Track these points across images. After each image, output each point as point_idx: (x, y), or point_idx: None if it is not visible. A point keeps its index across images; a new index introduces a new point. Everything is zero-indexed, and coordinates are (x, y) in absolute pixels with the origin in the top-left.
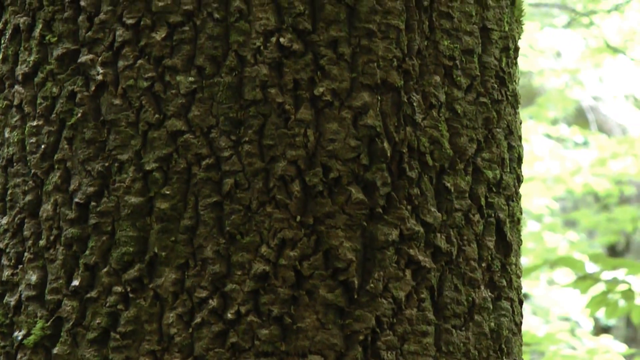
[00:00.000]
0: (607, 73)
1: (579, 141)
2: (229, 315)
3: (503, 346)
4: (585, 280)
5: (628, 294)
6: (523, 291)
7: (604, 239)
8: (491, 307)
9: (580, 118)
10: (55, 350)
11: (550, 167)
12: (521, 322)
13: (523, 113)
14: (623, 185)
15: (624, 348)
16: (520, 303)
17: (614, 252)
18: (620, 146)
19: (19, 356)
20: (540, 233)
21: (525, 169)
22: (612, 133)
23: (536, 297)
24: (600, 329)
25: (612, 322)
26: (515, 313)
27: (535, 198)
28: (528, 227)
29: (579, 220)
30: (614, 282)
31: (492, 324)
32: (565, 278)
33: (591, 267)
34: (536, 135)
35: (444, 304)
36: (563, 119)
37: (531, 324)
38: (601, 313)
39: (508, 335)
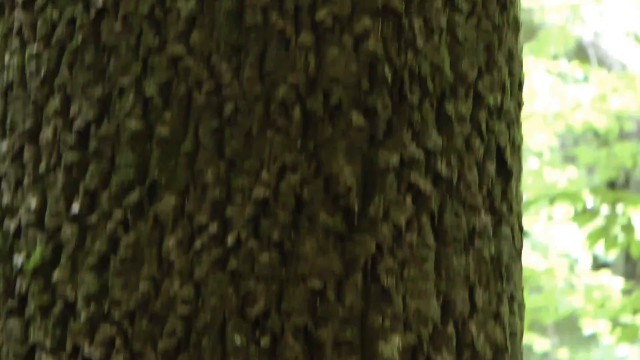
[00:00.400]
0: (608, 9)
1: (579, 77)
2: (229, 241)
3: (503, 272)
4: (584, 214)
5: (627, 228)
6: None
7: (603, 175)
8: (491, 232)
9: (580, 54)
10: (55, 275)
11: (551, 103)
12: (521, 248)
13: (524, 49)
14: (623, 121)
15: (621, 283)
16: (521, 229)
17: (613, 188)
18: (620, 81)
19: (18, 281)
20: (540, 169)
21: (526, 106)
22: (613, 69)
23: (535, 233)
24: (599, 265)
25: (611, 258)
26: (516, 239)
27: (535, 134)
28: (528, 164)
29: (579, 156)
30: (613, 215)
31: (493, 250)
32: (564, 214)
33: (591, 203)
34: (537, 72)
35: (445, 230)
36: (564, 55)
37: (530, 260)
38: (600, 249)
39: (508, 261)
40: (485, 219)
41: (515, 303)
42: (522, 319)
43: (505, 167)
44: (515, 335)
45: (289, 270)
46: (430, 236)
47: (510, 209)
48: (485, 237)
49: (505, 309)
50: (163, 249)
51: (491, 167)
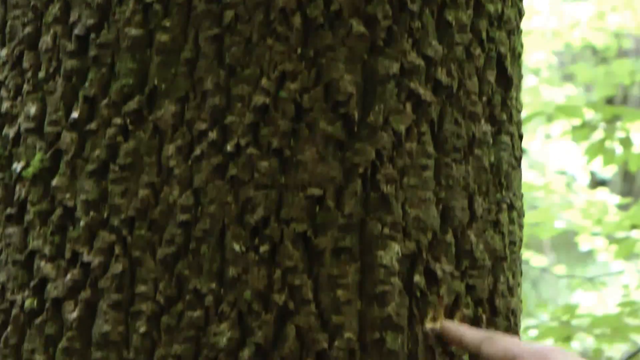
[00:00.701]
0: None
1: None
2: (229, 148)
3: (503, 180)
4: (582, 128)
5: (626, 142)
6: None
7: (601, 93)
8: (491, 141)
9: None
10: (54, 182)
11: (549, 21)
12: (521, 157)
13: None
14: (621, 39)
15: (617, 200)
16: (520, 137)
17: (611, 105)
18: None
19: (17, 188)
20: (538, 87)
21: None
22: None
23: (533, 151)
24: (597, 183)
25: (608, 176)
26: (515, 147)
27: (533, 52)
28: (526, 82)
29: (577, 74)
30: (612, 129)
31: (492, 158)
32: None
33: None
34: None
35: (444, 138)
36: None
37: (527, 177)
38: (598, 165)
39: (508, 170)
40: (485, 127)
41: (515, 211)
42: (521, 227)
43: (505, 75)
44: (515, 244)
45: (288, 178)
46: (430, 144)
47: (510, 117)
48: (484, 145)
49: (504, 217)
50: (162, 156)
51: (491, 76)
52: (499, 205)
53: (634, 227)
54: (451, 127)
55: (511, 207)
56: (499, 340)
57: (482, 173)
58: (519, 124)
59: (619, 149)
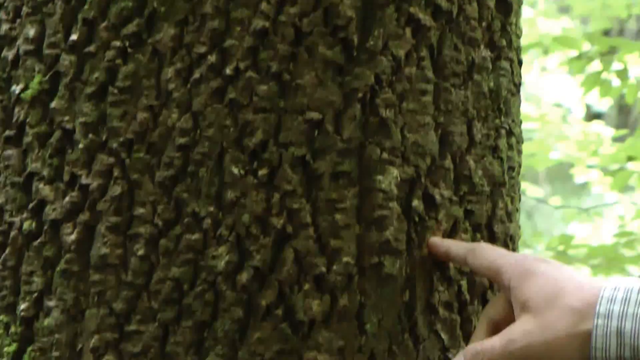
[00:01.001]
0: None
1: None
2: (228, 71)
3: (502, 106)
4: (579, 59)
5: (622, 74)
6: None
7: (597, 26)
8: (490, 66)
9: None
10: (52, 105)
11: None
12: (520, 83)
13: None
14: None
15: (612, 132)
16: (520, 64)
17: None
18: None
19: (16, 110)
20: (534, 19)
21: None
22: None
23: (528, 84)
24: (592, 116)
25: (604, 108)
26: (515, 73)
27: None
28: (522, 14)
29: (573, 6)
30: (608, 61)
31: (491, 84)
32: (558, 64)
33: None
34: None
35: (444, 63)
36: None
37: (523, 110)
38: (594, 100)
39: (507, 96)
40: (484, 52)
41: (513, 137)
42: (519, 153)
43: (505, 1)
44: (513, 169)
45: (287, 102)
46: (429, 69)
47: (509, 43)
48: (484, 71)
49: (503, 142)
50: (161, 79)
51: (491, 1)
52: (497, 131)
53: (629, 159)
54: (450, 53)
55: (510, 133)
56: (483, 252)
57: (481, 98)
58: (518, 50)
59: (615, 81)
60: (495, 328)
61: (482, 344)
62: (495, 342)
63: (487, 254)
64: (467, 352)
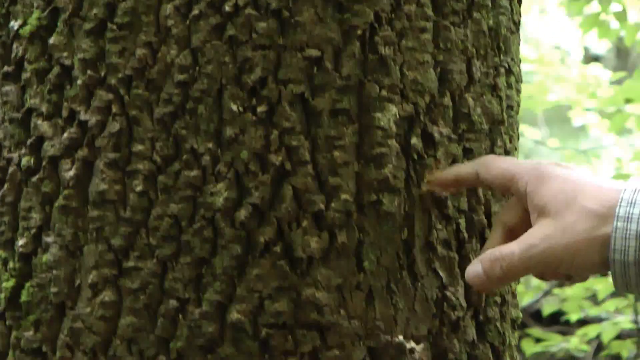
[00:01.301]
0: None
1: None
2: (227, 8)
3: (501, 44)
4: (578, 0)
5: (621, 15)
6: None
7: None
8: (490, 5)
9: None
10: (51, 40)
11: None
12: (519, 22)
13: None
14: None
15: (610, 74)
16: (519, 1)
17: None
18: None
19: (15, 45)
20: None
21: None
22: None
23: (527, 26)
24: (590, 59)
25: (602, 51)
26: (514, 12)
27: None
28: None
29: None
30: (607, 2)
31: (491, 22)
32: (556, 5)
33: None
34: None
35: (443, 1)
36: None
37: (521, 51)
38: (592, 42)
39: (506, 34)
40: None
41: (512, 76)
42: (518, 92)
43: None
44: (512, 108)
45: (286, 39)
46: (429, 7)
47: None
48: (483, 8)
49: (502, 81)
50: (160, 15)
51: None
52: (496, 69)
53: (627, 101)
54: None
55: (509, 71)
56: (495, 162)
57: (480, 36)
58: None
59: (614, 23)
60: (511, 234)
61: (501, 249)
62: (515, 247)
63: (499, 163)
64: (484, 258)
